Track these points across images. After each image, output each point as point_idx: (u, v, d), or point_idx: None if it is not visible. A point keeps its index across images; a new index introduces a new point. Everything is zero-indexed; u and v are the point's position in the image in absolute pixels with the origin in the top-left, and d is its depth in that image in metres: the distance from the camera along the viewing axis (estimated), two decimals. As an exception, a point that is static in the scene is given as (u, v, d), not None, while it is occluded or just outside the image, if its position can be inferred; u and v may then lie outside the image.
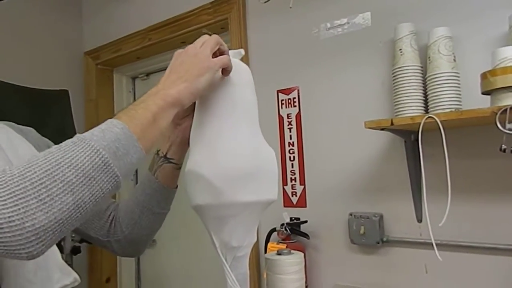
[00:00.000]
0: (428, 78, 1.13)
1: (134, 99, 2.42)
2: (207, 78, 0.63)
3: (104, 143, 0.51)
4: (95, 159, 0.50)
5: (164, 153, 0.80)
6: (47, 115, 1.93)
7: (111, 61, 2.28)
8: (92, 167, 0.50)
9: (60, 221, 0.48)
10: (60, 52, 2.24)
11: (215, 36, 0.69)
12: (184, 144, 0.78)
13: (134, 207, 0.82)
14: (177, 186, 0.84)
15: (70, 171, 0.48)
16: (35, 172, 0.47)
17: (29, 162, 0.49)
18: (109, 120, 0.55)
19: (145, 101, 0.59)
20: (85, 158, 0.49)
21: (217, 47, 0.68)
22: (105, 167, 0.51)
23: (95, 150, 0.50)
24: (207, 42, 0.67)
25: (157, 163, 0.81)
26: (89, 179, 0.49)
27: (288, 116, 1.55)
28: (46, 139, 0.85)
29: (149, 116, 0.57)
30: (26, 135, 0.80)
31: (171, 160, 0.80)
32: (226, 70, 0.67)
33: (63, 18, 2.30)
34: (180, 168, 0.81)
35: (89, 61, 2.34)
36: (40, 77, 2.04)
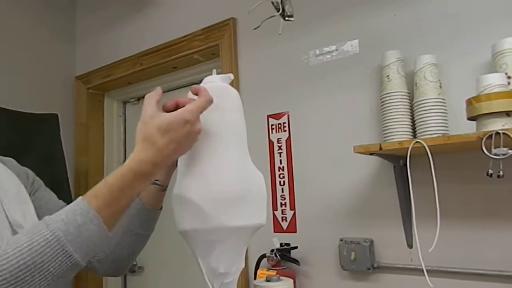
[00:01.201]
0: (415, 104, 1.15)
1: (125, 124, 2.42)
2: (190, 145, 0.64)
3: (78, 244, 0.53)
4: (66, 263, 0.52)
5: None
6: (36, 139, 1.91)
7: (102, 85, 2.29)
8: (62, 270, 0.51)
9: None
10: (51, 76, 2.24)
11: (202, 102, 0.65)
12: (169, 167, 0.79)
13: (117, 227, 0.79)
14: (161, 208, 0.84)
15: (40, 277, 0.50)
16: (6, 269, 0.48)
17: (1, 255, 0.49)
18: (86, 209, 0.55)
19: (131, 186, 0.59)
20: (56, 263, 0.51)
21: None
22: (74, 266, 0.53)
23: (68, 255, 0.52)
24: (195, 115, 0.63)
25: None
26: (57, 279, 0.51)
27: (278, 140, 1.55)
28: (25, 168, 0.85)
29: (125, 204, 0.59)
30: (6, 164, 0.80)
31: (156, 182, 0.80)
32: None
33: (55, 42, 2.31)
34: (164, 190, 0.82)
35: (80, 85, 2.35)
36: (30, 100, 2.03)
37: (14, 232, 0.66)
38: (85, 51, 2.39)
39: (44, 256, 0.50)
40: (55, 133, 2.02)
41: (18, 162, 0.84)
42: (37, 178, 0.87)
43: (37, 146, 1.87)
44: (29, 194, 0.80)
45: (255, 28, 0.99)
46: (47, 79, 2.21)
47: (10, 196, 0.71)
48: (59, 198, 0.89)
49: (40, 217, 0.75)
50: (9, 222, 0.67)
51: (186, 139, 0.61)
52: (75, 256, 0.52)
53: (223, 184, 0.63)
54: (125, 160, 2.14)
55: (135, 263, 2.14)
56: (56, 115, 2.05)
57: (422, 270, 1.00)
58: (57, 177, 1.89)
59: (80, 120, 2.32)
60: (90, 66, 2.30)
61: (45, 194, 0.86)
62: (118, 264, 0.85)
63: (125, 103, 2.45)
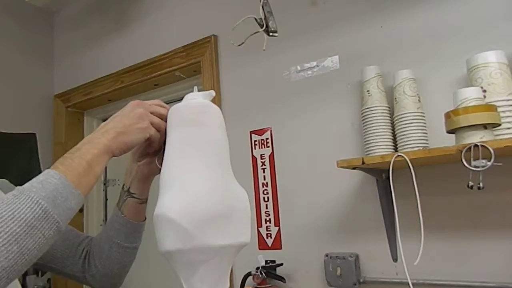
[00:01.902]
0: (396, 118, 1.17)
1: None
2: (138, 137, 0.70)
3: (43, 193, 0.56)
4: (35, 209, 0.55)
5: (128, 187, 0.83)
6: (13, 159, 1.86)
7: (81, 103, 2.26)
8: (34, 217, 0.54)
9: (7, 269, 0.52)
10: (29, 95, 2.20)
11: (155, 102, 0.76)
12: (145, 181, 0.82)
13: (104, 242, 0.84)
14: (145, 219, 0.86)
15: (13, 222, 0.53)
16: None
17: None
18: (46, 171, 0.60)
19: (80, 149, 0.65)
20: (26, 209, 0.54)
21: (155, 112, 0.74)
22: (45, 215, 0.55)
23: (35, 201, 0.55)
24: (147, 106, 0.73)
25: (122, 198, 0.84)
26: (32, 228, 0.54)
27: (262, 156, 1.55)
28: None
29: (84, 164, 0.63)
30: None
31: (133, 195, 0.82)
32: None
33: (33, 61, 2.28)
34: (143, 202, 0.84)
35: (59, 104, 2.31)
36: (8, 120, 1.98)
37: None
38: (64, 69, 2.36)
39: (14, 205, 0.54)
40: (33, 153, 1.97)
41: None
42: None
43: (15, 166, 1.82)
44: None
45: (240, 45, 0.99)
46: (25, 98, 2.16)
47: None
48: None
49: None
50: None
51: (132, 121, 0.69)
52: (42, 203, 0.55)
53: (206, 202, 0.61)
54: (105, 179, 2.10)
55: None
56: (34, 134, 2.01)
57: (408, 284, 1.00)
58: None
59: (58, 139, 2.27)
60: (69, 84, 2.26)
61: None
62: (111, 279, 0.86)
63: (105, 120, 2.41)
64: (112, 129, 0.68)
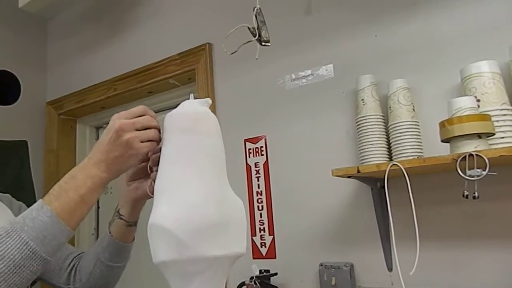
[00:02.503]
0: (390, 127, 1.17)
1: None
2: (132, 163, 0.70)
3: (33, 233, 0.60)
4: (24, 250, 0.59)
5: (118, 208, 0.84)
6: (4, 166, 1.84)
7: (74, 111, 2.24)
8: (21, 257, 0.59)
9: None
10: (21, 102, 2.16)
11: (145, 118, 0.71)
12: (134, 204, 0.82)
13: (91, 258, 0.87)
14: (133, 240, 0.87)
15: (2, 263, 0.58)
16: None
17: None
18: (40, 205, 0.63)
19: (76, 178, 0.66)
20: (15, 250, 0.59)
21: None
22: (33, 255, 0.60)
23: (24, 243, 0.59)
24: (130, 126, 0.68)
25: (113, 217, 0.85)
26: (19, 268, 0.59)
27: (256, 165, 1.54)
28: (19, 202, 0.95)
29: (78, 199, 0.64)
30: (1, 200, 0.90)
31: (121, 217, 0.83)
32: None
33: (26, 67, 2.26)
34: (131, 225, 0.84)
35: (51, 111, 2.29)
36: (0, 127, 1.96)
37: None
38: (57, 76, 2.34)
39: (5, 245, 0.58)
40: (24, 160, 1.95)
41: None
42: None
43: (6, 174, 1.80)
44: None
45: (233, 53, 0.99)
46: (16, 105, 2.12)
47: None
48: None
49: None
50: None
51: (121, 152, 0.67)
52: (31, 244, 0.59)
53: (201, 212, 0.60)
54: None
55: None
56: (26, 141, 1.98)
57: (404, 294, 0.99)
58: (26, 205, 1.81)
59: (50, 147, 2.25)
60: (62, 91, 2.25)
61: None
62: None
63: (98, 128, 2.40)
64: (104, 161, 0.67)
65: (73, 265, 0.89)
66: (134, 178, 0.81)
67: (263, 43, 0.97)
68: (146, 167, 0.77)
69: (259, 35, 0.96)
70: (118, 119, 0.67)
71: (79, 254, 0.92)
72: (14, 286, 0.59)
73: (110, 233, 0.84)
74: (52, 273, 0.88)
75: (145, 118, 0.70)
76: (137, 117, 0.69)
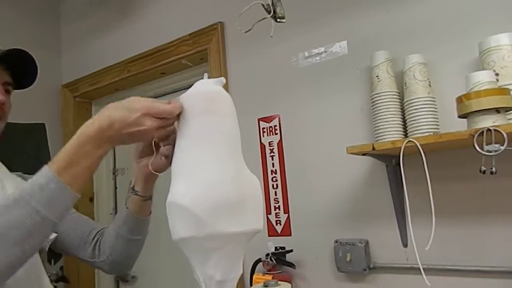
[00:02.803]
0: (406, 103, 1.16)
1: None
2: (138, 139, 0.70)
3: (42, 200, 0.62)
4: (35, 217, 0.61)
5: (133, 185, 0.86)
6: (23, 149, 1.88)
7: (89, 93, 2.26)
8: (33, 224, 0.61)
9: (11, 264, 0.62)
10: (37, 86, 2.17)
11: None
12: (147, 179, 0.83)
13: (112, 232, 0.91)
14: (149, 213, 0.90)
15: (16, 231, 0.60)
16: None
17: None
18: (46, 172, 0.64)
19: (84, 148, 0.66)
20: (26, 218, 0.61)
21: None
22: (44, 221, 0.62)
23: (35, 210, 0.61)
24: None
25: (128, 193, 0.87)
26: (32, 234, 0.61)
27: (270, 144, 1.54)
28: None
29: (86, 169, 0.66)
30: (26, 179, 0.91)
31: (137, 193, 0.85)
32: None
33: (40, 51, 2.25)
34: (146, 199, 0.86)
35: (67, 94, 2.31)
36: (16, 110, 1.96)
37: None
38: (71, 59, 2.36)
39: (15, 213, 0.61)
40: (43, 143, 1.98)
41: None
42: None
43: (25, 156, 1.83)
44: None
45: (247, 31, 0.98)
46: (33, 89, 2.13)
47: None
48: None
49: None
50: None
51: (139, 129, 0.65)
52: (42, 211, 0.61)
53: (218, 190, 0.61)
54: (114, 168, 2.11)
55: (127, 272, 2.12)
56: (43, 124, 2.01)
57: (419, 269, 1.00)
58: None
59: (67, 129, 2.28)
60: (76, 74, 2.27)
61: None
62: (119, 266, 0.93)
63: (113, 110, 2.42)
64: (116, 137, 0.66)
65: (97, 240, 0.93)
66: (143, 155, 0.82)
67: (278, 20, 0.96)
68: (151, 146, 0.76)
69: (274, 12, 0.95)
70: (148, 110, 0.65)
71: (102, 229, 0.95)
72: (27, 250, 0.62)
73: (127, 208, 0.87)
74: (78, 248, 0.93)
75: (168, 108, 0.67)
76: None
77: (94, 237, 0.94)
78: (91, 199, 2.30)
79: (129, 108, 0.65)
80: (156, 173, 0.79)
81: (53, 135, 2.09)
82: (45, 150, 1.98)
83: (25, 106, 2.12)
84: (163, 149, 0.76)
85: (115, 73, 2.07)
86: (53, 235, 0.89)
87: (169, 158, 0.73)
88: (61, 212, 0.65)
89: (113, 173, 2.35)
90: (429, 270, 1.14)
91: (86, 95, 2.29)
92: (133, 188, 0.86)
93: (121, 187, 2.32)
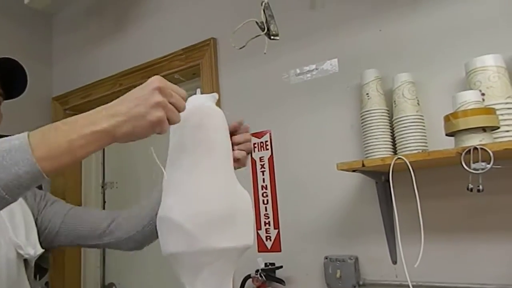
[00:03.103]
0: (395, 121, 1.18)
1: (103, 144, 2.37)
2: (145, 133, 0.58)
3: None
4: None
5: None
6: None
7: (80, 106, 2.25)
8: None
9: None
10: (27, 98, 2.16)
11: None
12: None
13: (141, 215, 0.90)
14: None
15: None
16: None
17: None
18: (24, 133, 0.55)
19: (76, 122, 0.57)
20: None
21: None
22: None
23: None
24: (168, 93, 0.60)
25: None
26: None
27: (261, 159, 1.55)
28: (34, 189, 0.96)
29: (65, 143, 0.54)
30: None
31: None
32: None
33: (32, 63, 2.25)
34: None
35: (57, 107, 2.30)
36: (5, 123, 1.97)
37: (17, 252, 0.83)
38: (62, 71, 2.35)
39: None
40: (31, 156, 1.96)
41: None
42: (47, 194, 0.98)
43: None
44: (39, 212, 0.93)
45: (241, 48, 0.99)
46: (22, 101, 2.12)
47: (18, 219, 0.87)
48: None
49: (52, 228, 0.92)
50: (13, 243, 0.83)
51: (146, 110, 0.57)
52: None
53: (210, 205, 0.62)
54: (103, 182, 2.09)
55: (112, 281, 2.10)
56: (32, 137, 2.00)
57: (408, 286, 1.01)
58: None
59: (57, 142, 2.27)
60: (67, 87, 2.26)
61: (54, 206, 0.96)
62: (140, 244, 0.93)
63: (104, 123, 2.41)
64: (121, 115, 0.56)
65: (108, 225, 0.92)
66: None
67: (272, 37, 0.97)
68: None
69: (268, 29, 0.97)
70: (159, 81, 0.59)
71: (116, 214, 0.94)
72: None
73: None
74: (87, 239, 0.93)
75: (182, 102, 0.62)
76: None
77: (109, 224, 0.92)
78: (79, 213, 2.27)
79: (143, 85, 0.60)
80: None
81: (42, 148, 2.07)
82: (33, 162, 1.96)
83: (14, 118, 2.10)
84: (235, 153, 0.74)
85: (107, 87, 2.07)
86: (40, 251, 0.88)
87: (240, 161, 0.75)
88: (7, 175, 0.52)
89: (102, 187, 2.32)
90: (418, 287, 1.14)
91: (76, 108, 2.28)
92: None
93: (110, 201, 2.30)
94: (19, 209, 0.89)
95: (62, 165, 0.55)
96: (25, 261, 0.87)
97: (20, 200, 0.90)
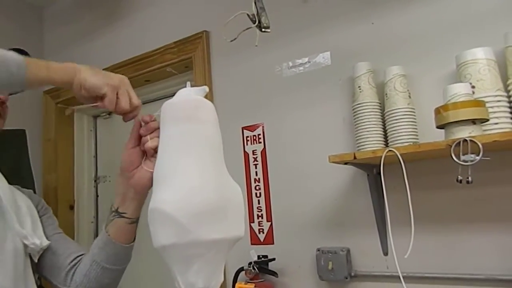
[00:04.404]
0: (387, 114, 1.18)
1: (95, 138, 2.37)
2: (97, 85, 0.75)
3: None
4: None
5: (116, 208, 0.79)
6: (2, 155, 1.84)
7: (72, 100, 2.23)
8: None
9: None
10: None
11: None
12: (138, 198, 0.78)
13: (87, 258, 0.83)
14: (133, 242, 0.82)
15: None
16: None
17: None
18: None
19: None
20: None
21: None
22: None
23: None
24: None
25: (108, 218, 0.80)
26: None
27: (254, 152, 1.55)
28: (39, 197, 0.98)
29: (45, 70, 0.71)
30: (24, 192, 0.94)
31: (122, 215, 0.78)
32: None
33: (22, 56, 2.25)
34: (134, 222, 0.80)
35: (49, 100, 2.28)
36: (-5, 116, 1.95)
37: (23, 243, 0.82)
38: (53, 65, 2.33)
39: None
40: (23, 149, 1.95)
41: None
42: (46, 206, 0.97)
43: (4, 162, 1.80)
44: (39, 214, 0.92)
45: (232, 40, 0.99)
46: (13, 95, 2.13)
47: (24, 212, 0.86)
48: None
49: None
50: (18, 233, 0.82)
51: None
52: None
53: (201, 197, 0.62)
54: (96, 175, 2.08)
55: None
56: (24, 130, 1.98)
57: (399, 277, 1.02)
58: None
59: (48, 136, 2.25)
60: (59, 80, 2.24)
61: (48, 221, 0.93)
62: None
63: (95, 117, 2.40)
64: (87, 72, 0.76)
65: (73, 265, 0.85)
66: (133, 168, 0.76)
67: (263, 29, 0.97)
68: (140, 153, 0.75)
69: (259, 21, 0.96)
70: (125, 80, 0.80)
71: (82, 254, 0.87)
72: None
73: (107, 233, 0.79)
74: (53, 271, 0.86)
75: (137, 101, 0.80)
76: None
77: (72, 261, 0.85)
78: (72, 207, 2.26)
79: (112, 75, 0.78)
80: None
81: (34, 142, 2.06)
82: (25, 157, 1.94)
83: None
84: (150, 143, 0.74)
85: (99, 80, 2.05)
86: (46, 243, 0.85)
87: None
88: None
89: (95, 181, 2.32)
90: (408, 278, 1.15)
91: (68, 101, 2.25)
92: (117, 210, 0.78)
93: (102, 195, 2.29)
94: (24, 204, 0.88)
95: (41, 78, 0.71)
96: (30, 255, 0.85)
97: (25, 197, 0.91)
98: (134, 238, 0.82)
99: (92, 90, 0.74)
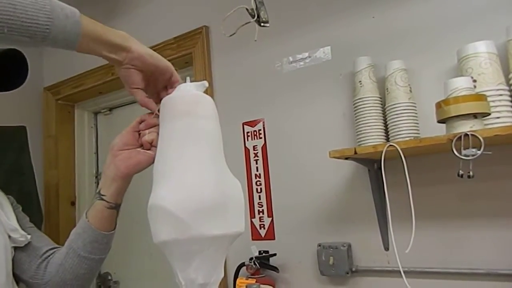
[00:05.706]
0: (387, 108, 1.18)
1: (96, 135, 2.37)
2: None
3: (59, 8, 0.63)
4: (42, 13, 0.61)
5: (99, 189, 0.75)
6: (3, 152, 1.84)
7: (72, 96, 2.23)
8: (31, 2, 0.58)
9: None
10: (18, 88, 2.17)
11: None
12: (120, 181, 0.74)
13: (65, 246, 0.78)
14: (113, 230, 0.77)
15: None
16: None
17: None
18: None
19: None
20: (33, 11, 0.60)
21: None
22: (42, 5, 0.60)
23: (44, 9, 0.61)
24: None
25: (92, 200, 0.76)
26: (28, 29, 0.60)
27: (254, 148, 1.55)
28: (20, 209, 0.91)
29: (100, 29, 0.72)
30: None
31: (102, 197, 0.74)
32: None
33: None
34: (113, 208, 0.75)
35: (49, 97, 2.28)
36: (-3, 113, 1.95)
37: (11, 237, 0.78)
38: (53, 61, 2.33)
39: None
40: (24, 146, 1.95)
41: None
42: (15, 202, 0.90)
43: (5, 159, 1.80)
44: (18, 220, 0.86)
45: (231, 35, 0.98)
46: (14, 91, 2.13)
47: (6, 205, 0.83)
48: (28, 211, 0.91)
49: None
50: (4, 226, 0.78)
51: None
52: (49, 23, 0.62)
53: (201, 193, 0.61)
54: (97, 172, 2.08)
55: (109, 277, 2.08)
56: (24, 127, 1.98)
57: (400, 272, 1.02)
58: (26, 190, 1.83)
59: (48, 133, 2.25)
60: (59, 76, 2.24)
61: (20, 215, 0.87)
62: None
63: (96, 113, 2.40)
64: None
65: (46, 257, 0.81)
66: (123, 148, 0.74)
67: (262, 24, 0.96)
68: (136, 136, 0.74)
69: (258, 16, 0.96)
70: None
71: (55, 248, 0.82)
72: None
73: (86, 217, 0.75)
74: (22, 265, 0.81)
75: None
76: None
77: (43, 254, 0.80)
78: (73, 203, 2.26)
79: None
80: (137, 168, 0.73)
81: (35, 139, 2.06)
82: (26, 153, 1.94)
83: (6, 109, 2.09)
84: (147, 136, 0.73)
85: (99, 76, 2.05)
86: (29, 236, 0.82)
87: (153, 152, 0.71)
88: (61, 22, 0.64)
89: (96, 177, 2.32)
90: (410, 273, 1.15)
91: (68, 98, 2.26)
92: (99, 192, 0.74)
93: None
94: (2, 198, 0.84)
95: (94, 42, 0.71)
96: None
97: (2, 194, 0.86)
98: (115, 227, 0.78)
99: (154, 66, 0.73)
